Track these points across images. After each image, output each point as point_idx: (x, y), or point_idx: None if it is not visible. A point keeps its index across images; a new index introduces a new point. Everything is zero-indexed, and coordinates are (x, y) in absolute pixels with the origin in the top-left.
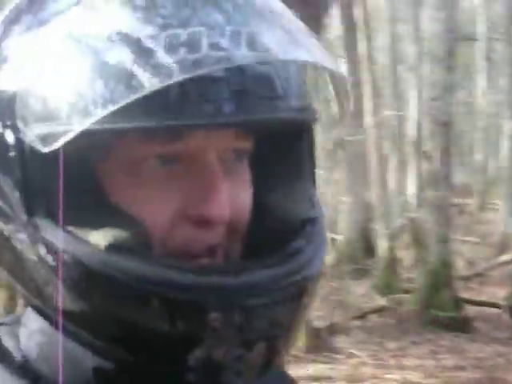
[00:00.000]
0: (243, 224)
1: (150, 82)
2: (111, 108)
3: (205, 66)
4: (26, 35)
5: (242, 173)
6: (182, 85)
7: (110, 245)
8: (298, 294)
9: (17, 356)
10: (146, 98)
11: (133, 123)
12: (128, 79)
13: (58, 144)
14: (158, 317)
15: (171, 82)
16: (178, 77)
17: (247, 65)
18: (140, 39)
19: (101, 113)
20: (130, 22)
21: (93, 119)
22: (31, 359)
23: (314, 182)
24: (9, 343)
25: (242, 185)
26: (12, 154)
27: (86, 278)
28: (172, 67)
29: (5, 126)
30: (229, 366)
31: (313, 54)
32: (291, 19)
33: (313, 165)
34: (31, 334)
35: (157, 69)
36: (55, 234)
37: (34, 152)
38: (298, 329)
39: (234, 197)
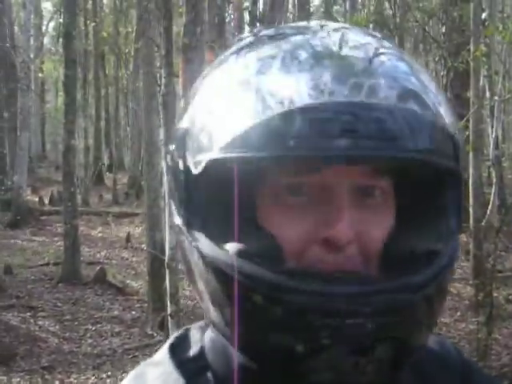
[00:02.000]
0: (373, 251)
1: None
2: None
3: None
4: (207, 77)
5: (376, 207)
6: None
7: (244, 254)
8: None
9: (197, 346)
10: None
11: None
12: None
13: (199, 168)
14: (280, 321)
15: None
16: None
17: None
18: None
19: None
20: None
21: (220, 155)
22: (206, 349)
23: (456, 218)
24: (196, 336)
25: (374, 217)
26: (181, 177)
27: (220, 281)
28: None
29: (179, 157)
30: (349, 371)
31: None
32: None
33: (457, 205)
34: (208, 329)
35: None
36: (205, 244)
37: (194, 176)
38: (416, 336)
39: (362, 226)
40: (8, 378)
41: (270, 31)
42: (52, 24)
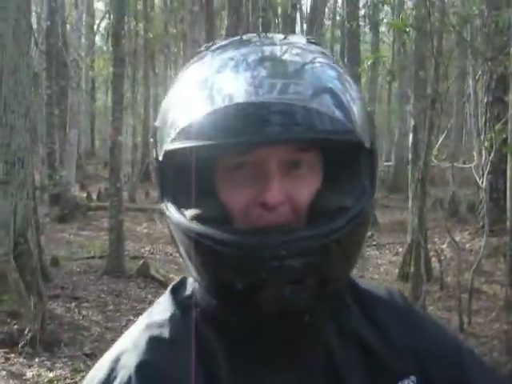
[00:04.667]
0: (301, 209)
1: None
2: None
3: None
4: (174, 81)
5: (304, 173)
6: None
7: (197, 217)
8: (325, 249)
9: (190, 288)
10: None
11: (215, 141)
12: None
13: (161, 157)
14: (228, 267)
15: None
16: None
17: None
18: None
19: (181, 143)
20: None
21: (171, 146)
22: (194, 291)
23: (368, 181)
24: (190, 281)
25: (303, 181)
26: (155, 164)
27: (179, 234)
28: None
29: (153, 148)
30: (289, 296)
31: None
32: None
33: (372, 167)
34: None
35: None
36: (169, 208)
37: (160, 163)
38: (334, 270)
39: (292, 188)
40: (52, 363)
41: (224, 43)
42: (104, 23)
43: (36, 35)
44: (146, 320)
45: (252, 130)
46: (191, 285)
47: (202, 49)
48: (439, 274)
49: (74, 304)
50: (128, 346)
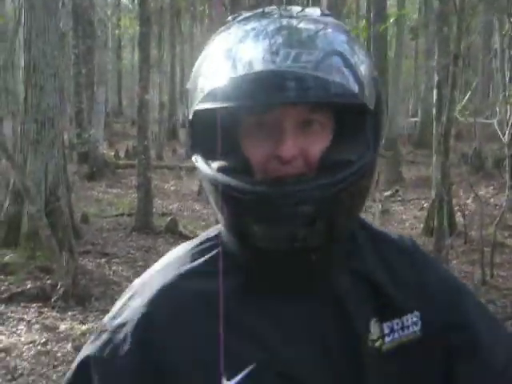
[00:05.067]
0: (312, 162)
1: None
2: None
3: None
4: (204, 48)
5: (316, 131)
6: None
7: (222, 169)
8: (332, 197)
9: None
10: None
11: (238, 103)
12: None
13: (191, 116)
14: (248, 213)
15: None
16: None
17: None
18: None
19: (208, 104)
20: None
21: (200, 106)
22: (222, 232)
23: (372, 139)
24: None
25: (315, 138)
26: (186, 123)
27: (207, 184)
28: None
29: (186, 108)
30: (301, 238)
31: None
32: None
33: (377, 127)
34: None
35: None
36: (198, 161)
37: (191, 121)
38: (340, 215)
39: (305, 144)
40: (84, 316)
41: (248, 15)
42: None
43: None
44: (166, 258)
45: (269, 94)
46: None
47: (229, 19)
48: (463, 228)
49: (104, 260)
50: (137, 287)
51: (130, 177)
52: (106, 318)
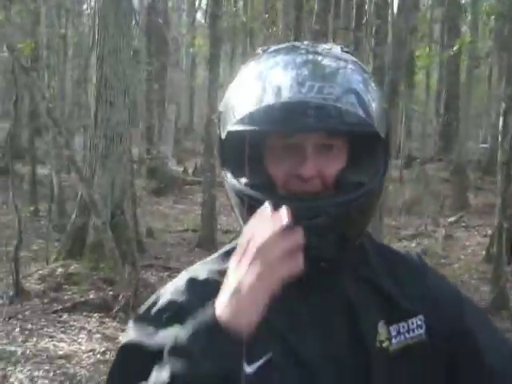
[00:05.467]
0: (329, 182)
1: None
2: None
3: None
4: (237, 74)
5: (333, 154)
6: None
7: (248, 184)
8: (343, 213)
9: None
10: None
11: (268, 128)
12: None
13: (224, 136)
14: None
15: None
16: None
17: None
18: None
19: (239, 126)
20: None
21: (232, 128)
22: None
23: (382, 163)
24: None
25: (332, 161)
26: (218, 142)
27: (235, 197)
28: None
29: (218, 129)
30: (315, 246)
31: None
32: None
33: (386, 154)
34: None
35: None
36: (227, 176)
37: (223, 140)
38: (349, 229)
39: (323, 165)
40: None
41: (278, 47)
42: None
43: (137, 13)
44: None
45: (294, 120)
46: None
47: (259, 51)
48: None
49: (166, 273)
50: (168, 286)
51: (197, 193)
52: (143, 308)
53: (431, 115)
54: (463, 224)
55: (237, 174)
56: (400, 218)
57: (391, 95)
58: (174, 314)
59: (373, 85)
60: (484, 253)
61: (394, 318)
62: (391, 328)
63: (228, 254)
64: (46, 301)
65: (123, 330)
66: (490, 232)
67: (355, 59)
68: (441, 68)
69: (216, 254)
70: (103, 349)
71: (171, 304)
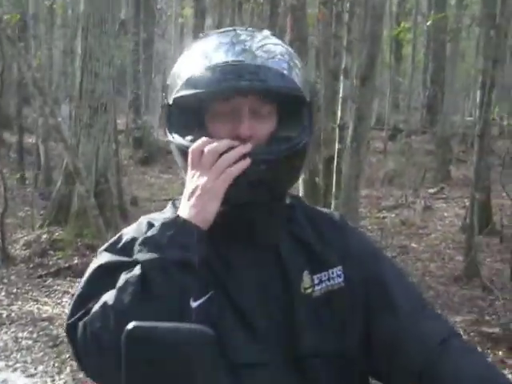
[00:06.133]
0: (263, 140)
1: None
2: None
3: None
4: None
5: (265, 118)
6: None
7: (192, 141)
8: (274, 163)
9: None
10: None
11: (208, 89)
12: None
13: (171, 102)
14: None
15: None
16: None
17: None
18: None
19: (184, 92)
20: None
21: (177, 94)
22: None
23: (308, 123)
24: None
25: (263, 123)
26: (165, 109)
27: (179, 155)
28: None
29: (165, 98)
30: (249, 191)
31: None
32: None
33: (311, 117)
34: None
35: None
36: (174, 137)
37: (169, 106)
38: (279, 178)
39: (257, 127)
40: None
41: (223, 30)
42: None
43: None
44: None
45: (231, 82)
46: None
47: (201, 35)
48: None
49: None
50: (129, 228)
51: None
52: (106, 245)
53: (418, 88)
54: (443, 196)
55: (182, 134)
56: (382, 189)
57: (368, 68)
58: (125, 243)
59: (296, 60)
60: (460, 223)
61: (317, 268)
62: (314, 277)
63: (171, 207)
64: (31, 266)
65: None
66: (468, 204)
67: (279, 41)
68: (427, 41)
69: (169, 205)
70: None
71: (134, 240)
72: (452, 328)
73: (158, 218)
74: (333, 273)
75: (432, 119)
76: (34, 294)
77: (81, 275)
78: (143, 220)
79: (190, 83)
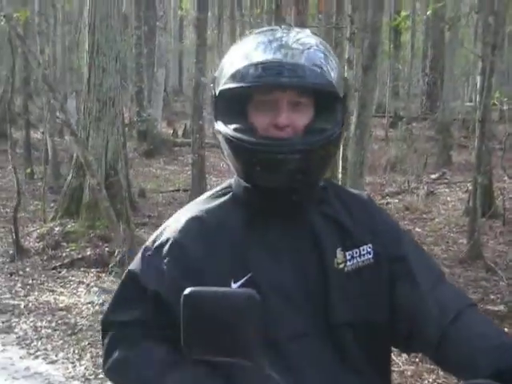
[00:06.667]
0: (299, 130)
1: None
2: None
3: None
4: (229, 50)
5: (302, 110)
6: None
7: (236, 129)
8: (310, 152)
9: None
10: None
11: (251, 84)
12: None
13: (217, 93)
14: (253, 159)
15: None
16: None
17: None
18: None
19: (230, 85)
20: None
21: (224, 87)
22: (232, 183)
23: (340, 116)
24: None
25: (301, 114)
26: (213, 99)
27: (225, 142)
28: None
29: (213, 89)
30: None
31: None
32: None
33: (344, 110)
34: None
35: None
36: (219, 125)
37: (216, 97)
38: (314, 166)
39: (294, 118)
40: None
41: (264, 29)
42: None
43: None
44: (190, 204)
45: (272, 78)
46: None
47: (247, 33)
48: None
49: None
50: (171, 221)
51: (187, 155)
52: (148, 243)
53: (418, 75)
54: (445, 181)
55: (227, 123)
56: (385, 176)
57: (370, 58)
58: (169, 248)
59: (332, 58)
60: (463, 207)
61: (349, 245)
62: (347, 253)
63: (213, 197)
64: (45, 258)
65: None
66: (470, 188)
67: (319, 39)
68: (426, 29)
69: (204, 196)
70: (101, 301)
71: (168, 241)
72: (468, 299)
73: (193, 211)
74: (363, 250)
75: (432, 105)
76: (50, 284)
77: (94, 266)
78: (181, 215)
79: (235, 77)
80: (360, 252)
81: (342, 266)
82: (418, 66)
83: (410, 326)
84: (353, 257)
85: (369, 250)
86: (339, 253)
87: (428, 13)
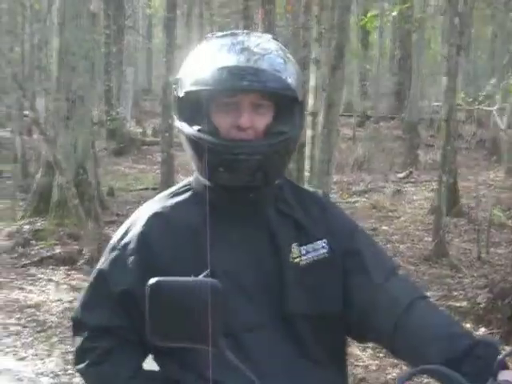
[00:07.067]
0: (259, 132)
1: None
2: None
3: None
4: (193, 51)
5: (263, 112)
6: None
7: (199, 131)
8: (268, 153)
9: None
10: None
11: (215, 87)
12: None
13: (182, 95)
14: (215, 159)
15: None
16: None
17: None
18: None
19: (195, 87)
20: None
21: (189, 89)
22: (192, 181)
23: (298, 119)
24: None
25: (262, 116)
26: (176, 100)
27: (188, 142)
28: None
29: (176, 90)
30: (246, 177)
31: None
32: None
33: (302, 114)
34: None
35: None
36: (183, 126)
37: (180, 99)
38: (272, 166)
39: (255, 119)
40: None
41: (226, 33)
42: None
43: None
44: (153, 200)
45: (235, 82)
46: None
47: (209, 36)
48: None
49: None
50: (134, 218)
51: (156, 153)
52: (114, 240)
53: (386, 75)
54: (412, 180)
55: (190, 124)
56: (352, 175)
57: (338, 57)
58: (134, 246)
59: (291, 64)
60: (429, 206)
61: (304, 241)
62: (301, 248)
63: (174, 194)
64: (14, 256)
65: (87, 281)
66: (436, 187)
67: (280, 45)
68: (394, 28)
69: (164, 194)
70: (70, 298)
71: (133, 238)
72: (419, 290)
73: (156, 207)
74: (318, 245)
75: (400, 105)
76: (19, 282)
77: (63, 263)
78: (143, 211)
79: (199, 81)
80: (315, 247)
81: (297, 260)
82: (386, 65)
83: (363, 317)
84: (308, 251)
85: (324, 245)
86: (295, 248)
87: (393, 13)
